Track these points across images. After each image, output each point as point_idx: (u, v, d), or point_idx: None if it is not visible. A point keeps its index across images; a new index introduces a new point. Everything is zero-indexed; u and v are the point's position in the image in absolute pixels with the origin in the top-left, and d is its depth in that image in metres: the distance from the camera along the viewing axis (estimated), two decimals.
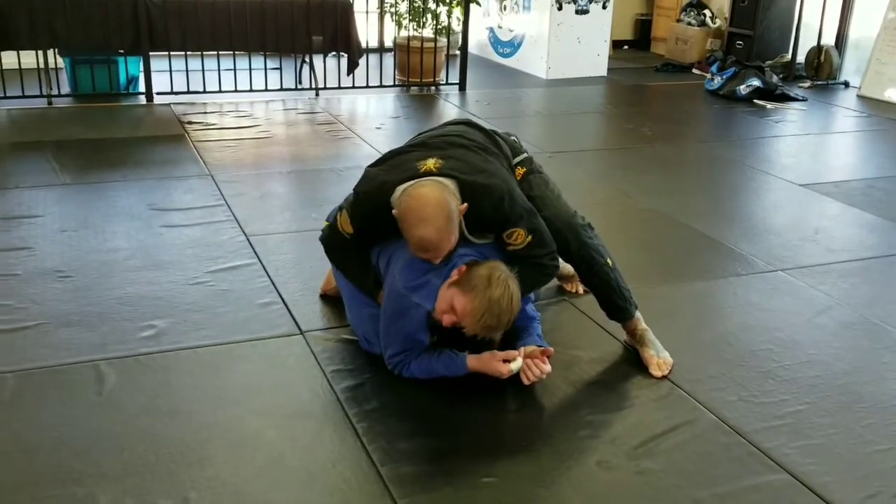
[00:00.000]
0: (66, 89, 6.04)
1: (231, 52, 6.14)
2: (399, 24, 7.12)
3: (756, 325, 3.02)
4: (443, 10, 7.06)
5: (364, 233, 2.57)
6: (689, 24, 8.59)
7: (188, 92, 6.06)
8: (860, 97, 7.22)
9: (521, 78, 7.68)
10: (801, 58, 7.88)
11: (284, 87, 6.43)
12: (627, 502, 2.09)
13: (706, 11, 8.59)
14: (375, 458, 2.19)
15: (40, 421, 2.30)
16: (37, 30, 5.57)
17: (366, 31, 6.72)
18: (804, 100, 6.97)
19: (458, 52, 7.09)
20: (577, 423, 2.39)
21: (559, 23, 7.58)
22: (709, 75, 7.42)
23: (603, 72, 7.87)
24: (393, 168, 2.51)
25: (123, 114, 5.77)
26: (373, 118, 6.09)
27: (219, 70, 6.11)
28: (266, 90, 6.29)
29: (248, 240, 3.59)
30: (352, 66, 6.46)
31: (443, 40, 7.05)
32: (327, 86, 6.53)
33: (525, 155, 2.80)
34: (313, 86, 6.50)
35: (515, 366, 2.43)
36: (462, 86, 6.95)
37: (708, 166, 5.12)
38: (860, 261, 3.66)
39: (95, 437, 2.24)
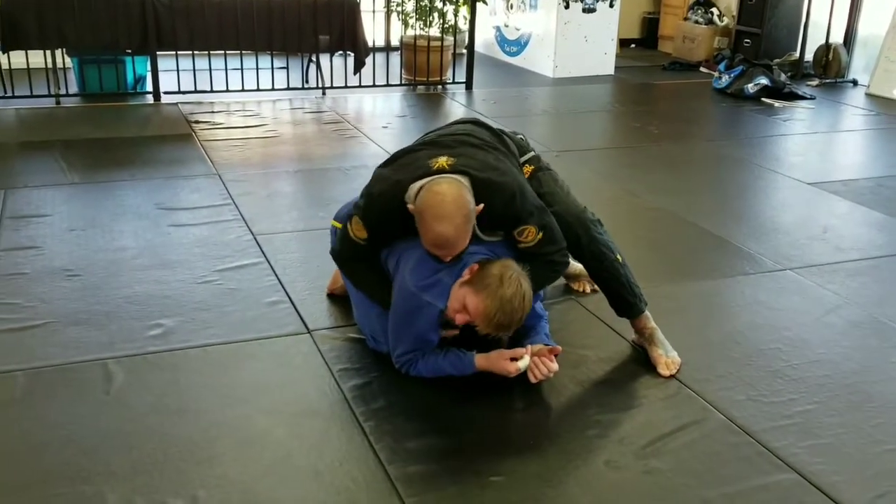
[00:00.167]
0: (73, 89, 6.06)
1: (238, 52, 6.15)
2: (406, 23, 7.12)
3: (764, 324, 3.01)
4: (449, 8, 7.06)
5: (378, 236, 2.54)
6: (697, 22, 8.57)
7: (195, 91, 6.07)
8: (869, 95, 7.19)
9: (528, 77, 7.67)
10: (809, 56, 7.85)
11: (291, 86, 6.44)
12: (635, 502, 2.08)
13: (714, 9, 8.56)
14: (382, 456, 2.19)
15: (49, 419, 2.31)
16: (45, 30, 5.58)
17: (372, 30, 6.71)
18: (812, 98, 6.95)
19: (464, 51, 7.09)
20: (585, 423, 2.39)
21: (566, 21, 7.57)
22: (716, 74, 7.40)
23: (610, 70, 7.86)
24: (404, 167, 2.51)
25: (131, 113, 5.78)
26: (379, 117, 6.10)
27: (226, 69, 6.12)
28: (273, 89, 6.29)
29: (255, 239, 3.59)
30: (358, 66, 6.46)
31: (449, 39, 7.05)
32: (334, 85, 6.53)
33: (532, 153, 2.79)
34: (320, 85, 6.50)
35: (523, 364, 2.43)
36: (469, 85, 6.95)
37: (715, 165, 5.11)
38: (869, 260, 3.64)
39: (104, 435, 2.25)
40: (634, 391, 2.58)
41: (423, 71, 6.90)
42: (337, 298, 3.05)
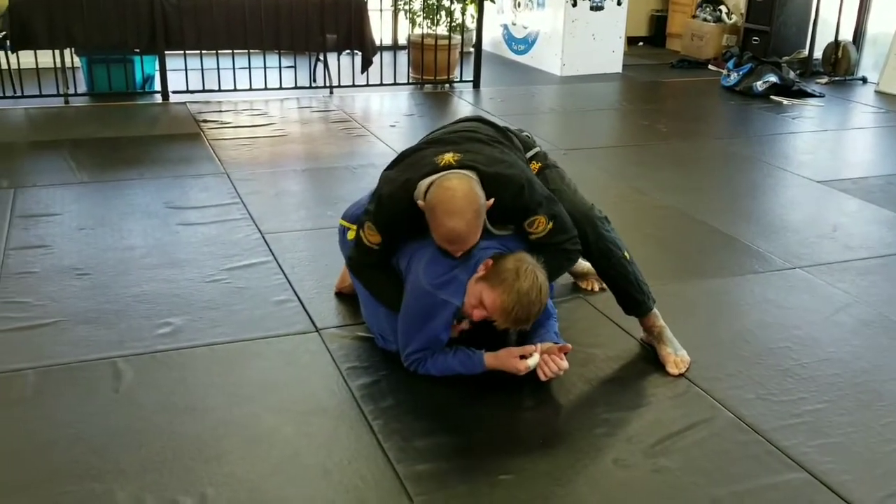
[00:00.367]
0: (82, 88, 6.08)
1: (246, 51, 6.16)
2: (413, 22, 7.12)
3: (774, 323, 3.00)
4: (457, 7, 7.05)
5: (391, 238, 2.53)
6: (705, 20, 8.55)
7: (203, 90, 6.09)
8: (878, 93, 7.15)
9: (536, 75, 7.66)
10: (818, 53, 7.82)
11: (299, 85, 6.45)
12: (644, 500, 2.08)
13: (722, 7, 8.54)
14: (391, 455, 2.19)
15: (58, 417, 2.32)
16: (54, 30, 5.61)
17: (380, 28, 6.72)
18: (821, 96, 6.92)
19: (472, 50, 7.08)
20: (594, 421, 2.38)
21: (574, 19, 7.55)
22: (725, 71, 7.37)
23: (618, 68, 7.84)
24: (411, 166, 2.51)
25: (139, 112, 5.80)
26: (387, 116, 6.10)
27: (234, 68, 6.13)
28: (281, 88, 6.30)
29: (263, 238, 3.60)
30: (366, 64, 6.47)
31: (457, 38, 7.04)
32: (341, 84, 6.53)
33: (538, 149, 2.80)
34: (328, 84, 6.51)
35: (532, 362, 2.43)
36: (476, 83, 6.94)
37: (724, 163, 5.09)
38: (879, 258, 3.63)
39: (113, 433, 2.25)
40: (643, 390, 2.57)
41: (430, 69, 6.90)
42: (345, 297, 3.05)
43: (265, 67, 6.20)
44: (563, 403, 2.49)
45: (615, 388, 2.58)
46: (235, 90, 6.16)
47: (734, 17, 8.49)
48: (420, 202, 2.38)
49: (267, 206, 4.00)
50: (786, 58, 7.74)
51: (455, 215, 2.30)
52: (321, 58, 6.58)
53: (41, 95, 5.73)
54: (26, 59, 5.74)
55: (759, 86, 6.87)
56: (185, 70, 6.02)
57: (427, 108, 6.29)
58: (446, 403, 2.45)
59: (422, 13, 7.01)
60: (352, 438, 2.27)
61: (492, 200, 2.38)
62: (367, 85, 6.59)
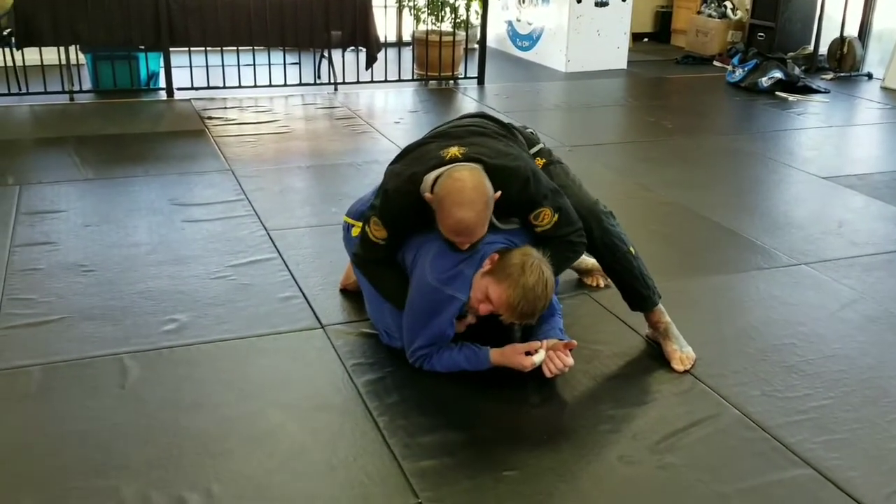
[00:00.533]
0: (87, 85, 6.09)
1: (250, 48, 6.16)
2: (417, 18, 7.12)
3: (779, 319, 2.99)
4: (461, 3, 7.05)
5: (397, 233, 2.52)
6: (710, 15, 8.52)
7: (208, 87, 6.09)
8: (884, 89, 7.13)
9: (540, 71, 7.65)
10: (823, 49, 7.79)
11: (303, 81, 6.45)
12: (649, 497, 2.08)
13: (727, 3, 8.51)
14: (396, 451, 2.20)
15: (64, 414, 2.33)
16: (58, 27, 5.61)
17: (384, 25, 6.71)
18: (827, 92, 6.90)
19: (476, 46, 7.08)
20: (599, 418, 2.38)
21: (578, 15, 7.54)
22: (730, 67, 7.35)
23: (623, 65, 7.83)
24: (416, 160, 2.50)
25: (144, 109, 5.81)
26: (392, 112, 6.10)
27: (238, 65, 6.13)
28: (285, 85, 6.30)
29: (268, 234, 3.60)
30: (370, 61, 6.46)
31: (461, 34, 7.04)
32: (346, 80, 6.53)
33: (541, 145, 2.80)
34: (332, 80, 6.51)
35: (538, 358, 2.43)
36: (481, 79, 6.94)
37: (729, 159, 5.08)
38: (885, 254, 3.62)
39: (119, 429, 2.26)
40: (648, 386, 2.57)
41: (435, 66, 6.90)
42: (350, 293, 3.05)
43: (270, 64, 6.20)
44: (568, 400, 2.49)
45: (620, 384, 2.58)
46: (240, 87, 6.16)
47: (739, 13, 8.46)
48: (427, 195, 2.38)
49: (272, 202, 4.00)
50: (791, 54, 7.72)
51: (465, 206, 2.30)
52: (326, 54, 6.58)
53: (46, 92, 5.74)
54: (31, 56, 5.75)
55: (765, 82, 6.85)
56: (190, 67, 6.03)
57: (431, 104, 6.29)
58: (451, 400, 2.45)
59: (426, 9, 7.01)
60: (357, 435, 2.27)
61: (499, 193, 2.38)
62: (372, 81, 6.58)
